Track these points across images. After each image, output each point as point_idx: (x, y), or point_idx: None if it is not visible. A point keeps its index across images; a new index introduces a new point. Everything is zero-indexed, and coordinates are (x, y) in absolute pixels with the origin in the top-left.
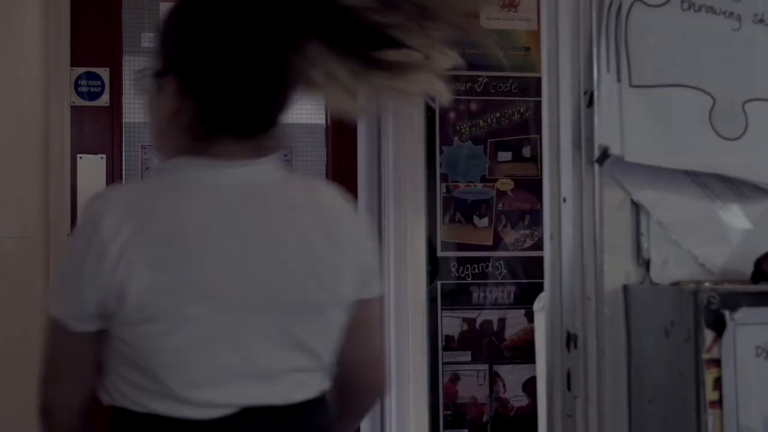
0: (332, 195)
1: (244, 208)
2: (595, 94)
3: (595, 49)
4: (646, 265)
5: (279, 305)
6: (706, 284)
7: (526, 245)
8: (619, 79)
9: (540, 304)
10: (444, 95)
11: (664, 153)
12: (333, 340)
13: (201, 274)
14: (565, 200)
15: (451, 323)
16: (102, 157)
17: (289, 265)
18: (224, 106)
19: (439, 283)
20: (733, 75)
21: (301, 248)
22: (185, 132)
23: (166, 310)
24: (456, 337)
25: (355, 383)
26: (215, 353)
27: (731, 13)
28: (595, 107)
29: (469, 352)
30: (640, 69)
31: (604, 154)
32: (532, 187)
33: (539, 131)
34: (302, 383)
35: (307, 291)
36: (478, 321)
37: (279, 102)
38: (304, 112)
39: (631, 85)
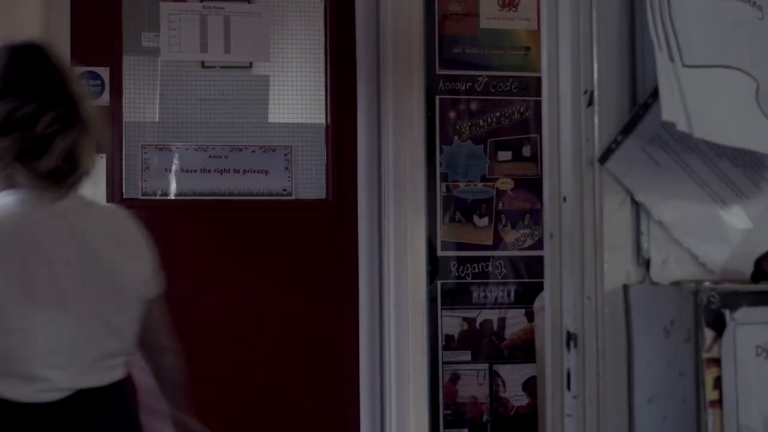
0: (124, 215)
1: (63, 228)
2: (657, 73)
3: (648, 30)
4: (647, 264)
5: (98, 301)
6: (706, 284)
7: (526, 245)
8: (671, 59)
9: (540, 304)
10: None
11: (725, 131)
12: (135, 329)
13: (37, 278)
14: (565, 199)
15: (451, 323)
16: (102, 156)
17: (100, 269)
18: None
19: (439, 282)
20: (765, 60)
21: (109, 256)
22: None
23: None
24: (456, 336)
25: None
26: (50, 343)
27: (754, 3)
28: (658, 84)
29: (469, 352)
30: (688, 49)
31: (607, 152)
32: (532, 186)
33: (539, 131)
34: (115, 366)
35: (116, 289)
36: (478, 320)
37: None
38: (304, 111)
39: (683, 65)
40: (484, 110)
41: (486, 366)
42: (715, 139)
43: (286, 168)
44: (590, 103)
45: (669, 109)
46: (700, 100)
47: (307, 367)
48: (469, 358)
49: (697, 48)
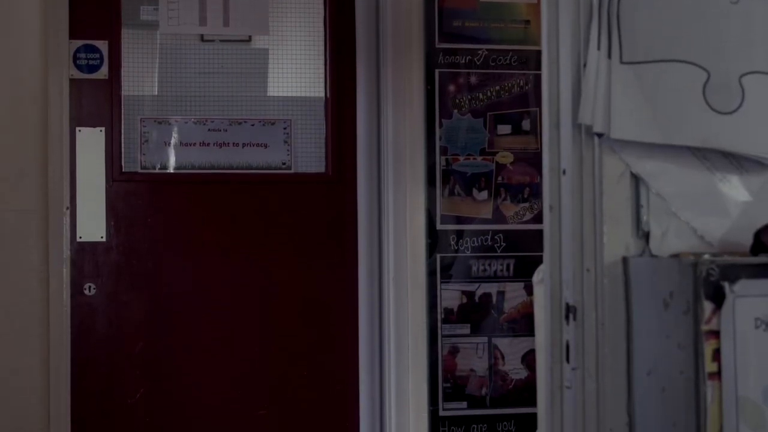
0: None
1: None
2: (581, 73)
3: (590, 28)
4: (646, 237)
5: None
6: (706, 256)
7: (525, 218)
8: (609, 56)
9: (539, 277)
10: None
11: (655, 129)
12: None
13: None
14: (564, 172)
15: (450, 296)
16: (101, 130)
17: None
18: None
19: (438, 256)
20: (729, 49)
21: None
22: None
23: None
24: (455, 309)
25: None
26: None
27: None
28: (582, 86)
29: (468, 325)
30: (631, 45)
31: (607, 125)
32: (532, 160)
33: (539, 104)
34: None
35: None
36: (477, 294)
37: None
38: (303, 84)
39: (621, 62)
40: (484, 84)
41: (485, 339)
42: (638, 139)
43: (286, 141)
44: None
45: (587, 111)
46: (632, 98)
47: (306, 339)
48: (468, 331)
49: (642, 43)
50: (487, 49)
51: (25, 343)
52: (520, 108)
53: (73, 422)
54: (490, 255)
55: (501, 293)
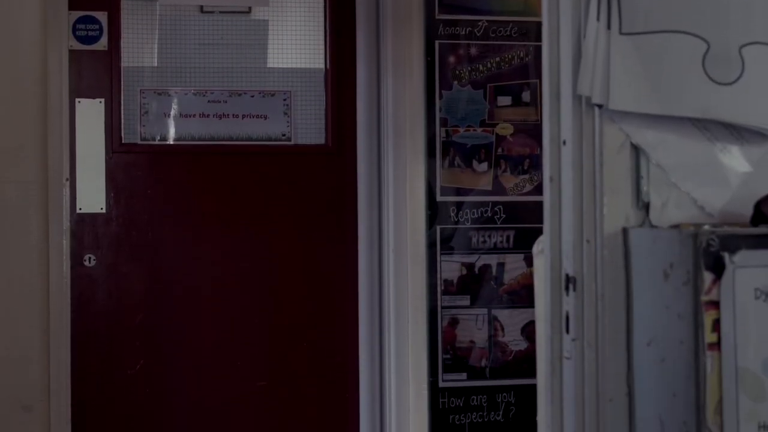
0: None
1: None
2: (582, 44)
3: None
4: (646, 207)
5: None
6: (706, 227)
7: (525, 190)
8: (609, 27)
9: (539, 248)
10: None
11: (654, 99)
12: None
13: None
14: (564, 143)
15: (450, 268)
16: (101, 101)
17: None
18: None
19: (438, 227)
20: (729, 19)
21: None
22: None
23: None
24: (455, 281)
25: None
26: None
27: None
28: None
29: (467, 297)
30: (631, 16)
31: (607, 95)
32: (532, 131)
33: (539, 76)
34: None
35: None
36: (477, 265)
37: None
38: (303, 56)
39: (621, 33)
40: (484, 55)
41: (485, 311)
42: (636, 110)
43: (285, 113)
44: None
45: (586, 82)
46: (631, 69)
47: (306, 310)
48: (468, 302)
49: (641, 13)
50: (487, 21)
51: (25, 314)
52: (521, 79)
53: (73, 393)
54: (490, 226)
55: (501, 265)
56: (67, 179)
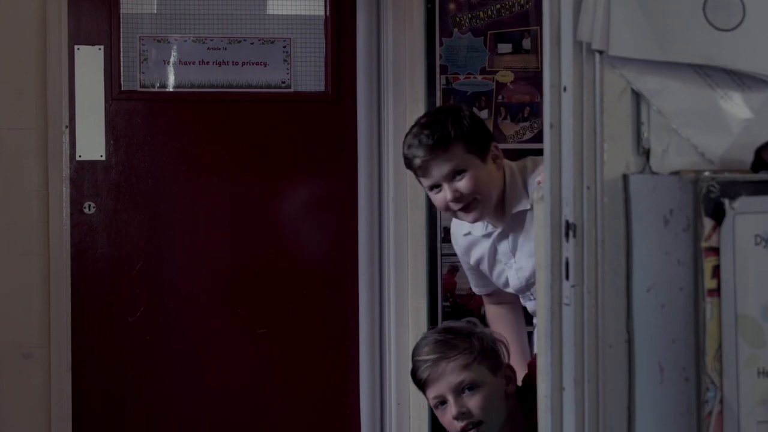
0: None
1: None
2: None
3: None
4: (646, 154)
5: None
6: (706, 173)
7: (525, 137)
8: None
9: (539, 195)
10: None
11: (655, 45)
12: None
13: None
14: (565, 89)
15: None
16: (100, 48)
17: None
18: None
19: None
20: None
21: None
22: None
23: None
24: None
25: None
26: None
27: None
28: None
29: None
30: None
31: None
32: (532, 79)
33: (539, 23)
34: None
35: None
36: None
37: None
38: (303, 2)
39: None
40: (484, 2)
41: None
42: (637, 56)
43: (285, 60)
44: None
45: (586, 28)
46: (630, 15)
47: (306, 258)
48: None
49: None
50: None
51: (26, 261)
52: (521, 27)
53: (74, 340)
54: None
55: None
56: (66, 126)
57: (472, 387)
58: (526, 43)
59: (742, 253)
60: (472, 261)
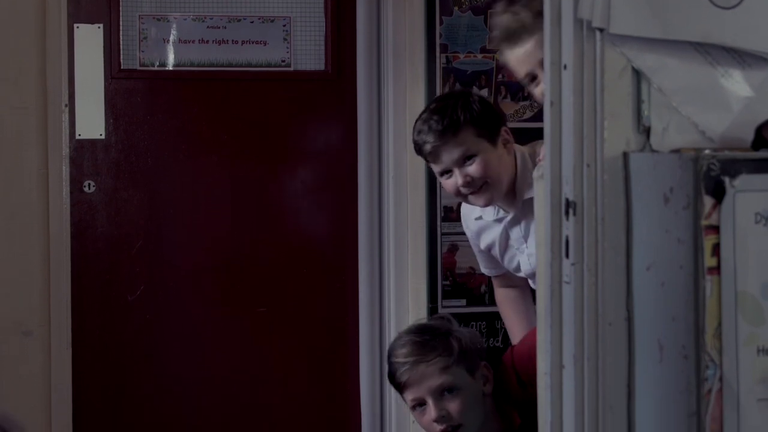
0: None
1: None
2: None
3: None
4: (647, 132)
5: None
6: (707, 151)
7: (525, 116)
8: None
9: (539, 173)
10: None
11: (655, 23)
12: None
13: None
14: (565, 67)
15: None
16: (99, 27)
17: None
18: None
19: None
20: None
21: None
22: None
23: None
24: (454, 207)
25: None
26: None
27: None
28: None
29: None
30: None
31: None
32: None
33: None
34: None
35: None
36: None
37: None
38: None
39: None
40: None
41: None
42: (638, 34)
43: (285, 39)
44: None
45: (586, 6)
46: None
47: (305, 236)
48: None
49: None
50: None
51: (26, 240)
52: None
53: (74, 318)
54: None
55: None
56: (66, 105)
57: (452, 390)
58: None
59: (742, 231)
60: (483, 245)
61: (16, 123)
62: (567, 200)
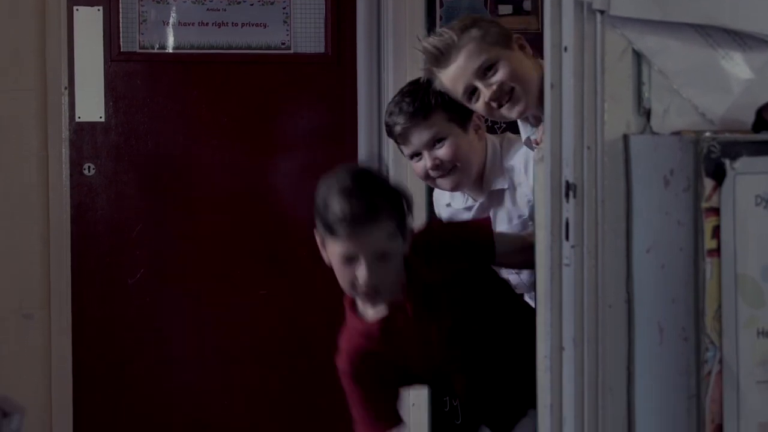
0: None
1: None
2: None
3: None
4: (647, 114)
5: None
6: (707, 133)
7: None
8: None
9: (539, 155)
10: None
11: (656, 5)
12: None
13: None
14: (566, 49)
15: None
16: (99, 9)
17: None
18: None
19: None
20: None
21: None
22: None
23: None
24: None
25: None
26: None
27: None
28: None
29: None
30: None
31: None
32: (533, 41)
33: None
34: None
35: None
36: None
37: None
38: None
39: None
40: None
41: None
42: (639, 15)
43: (285, 21)
44: None
45: None
46: None
47: (306, 218)
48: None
49: None
50: None
51: (26, 223)
52: None
53: (74, 301)
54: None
55: None
56: (65, 88)
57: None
58: (527, 5)
59: (742, 213)
60: None
61: (16, 106)
62: (567, 183)
